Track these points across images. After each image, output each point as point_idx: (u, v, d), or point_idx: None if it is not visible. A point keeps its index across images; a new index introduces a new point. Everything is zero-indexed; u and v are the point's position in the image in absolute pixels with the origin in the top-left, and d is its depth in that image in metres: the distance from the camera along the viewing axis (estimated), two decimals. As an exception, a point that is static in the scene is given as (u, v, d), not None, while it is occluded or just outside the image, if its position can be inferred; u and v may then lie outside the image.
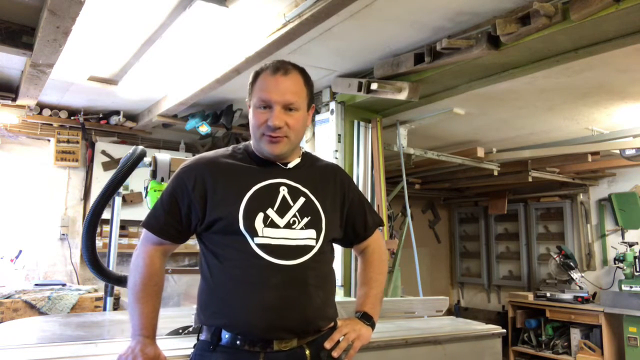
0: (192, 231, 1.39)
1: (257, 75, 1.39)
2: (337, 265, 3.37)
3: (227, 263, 1.30)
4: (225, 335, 1.27)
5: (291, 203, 1.35)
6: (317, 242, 1.35)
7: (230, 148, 1.46)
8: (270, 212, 1.32)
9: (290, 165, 1.42)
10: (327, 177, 1.48)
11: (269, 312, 1.25)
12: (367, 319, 1.46)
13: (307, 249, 1.33)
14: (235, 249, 1.29)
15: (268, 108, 1.34)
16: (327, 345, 1.34)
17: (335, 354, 1.34)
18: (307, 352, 1.30)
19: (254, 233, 1.29)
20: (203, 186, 1.34)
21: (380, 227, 1.63)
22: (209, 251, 1.35)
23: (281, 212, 1.33)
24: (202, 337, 1.33)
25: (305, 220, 1.35)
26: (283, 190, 1.36)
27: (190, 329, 1.83)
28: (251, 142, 1.46)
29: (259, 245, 1.28)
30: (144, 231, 1.39)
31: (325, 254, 1.40)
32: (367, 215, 1.56)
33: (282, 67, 1.36)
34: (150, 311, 1.33)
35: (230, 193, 1.33)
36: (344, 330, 1.39)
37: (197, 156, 1.45)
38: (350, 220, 1.51)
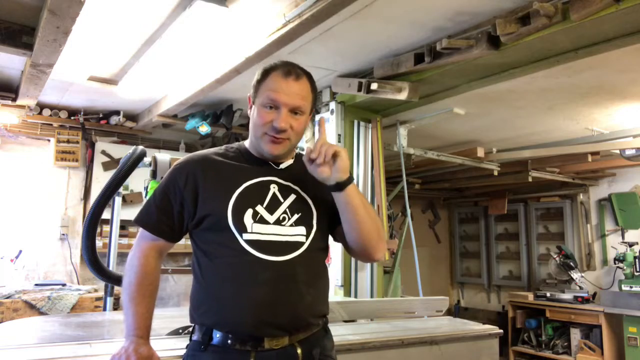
0: (185, 229, 1.39)
1: (266, 73, 1.39)
2: (337, 266, 3.37)
3: (217, 260, 1.31)
4: (217, 335, 1.27)
5: (281, 200, 1.36)
6: (307, 239, 1.35)
7: (223, 147, 1.47)
8: (260, 209, 1.32)
9: (282, 166, 1.43)
10: None
11: (259, 308, 1.25)
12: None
13: (297, 245, 1.33)
14: (225, 245, 1.30)
15: (274, 109, 1.34)
16: (314, 155, 1.30)
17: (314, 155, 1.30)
18: (299, 350, 1.29)
19: (242, 229, 1.29)
20: (194, 183, 1.35)
21: None
22: (199, 249, 1.35)
23: (271, 209, 1.33)
24: (194, 337, 1.33)
25: (296, 216, 1.35)
26: (273, 188, 1.36)
27: (190, 329, 1.83)
28: (247, 141, 1.46)
29: (248, 242, 1.29)
30: (139, 231, 1.39)
31: (317, 251, 1.39)
32: None
33: (294, 72, 1.37)
34: (144, 311, 1.33)
35: (219, 189, 1.34)
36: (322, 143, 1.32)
37: (190, 154, 1.46)
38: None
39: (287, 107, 1.34)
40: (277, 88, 1.34)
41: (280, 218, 1.33)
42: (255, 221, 1.30)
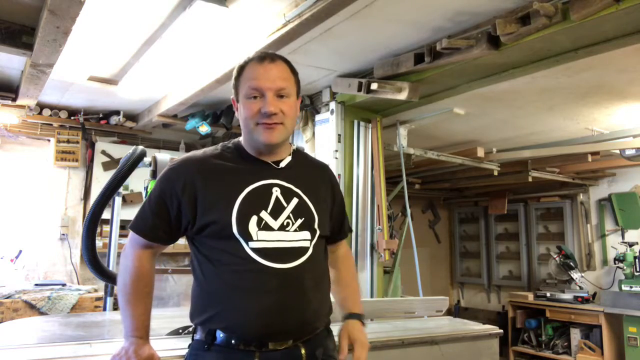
0: (182, 233, 1.36)
1: (242, 68, 1.38)
2: (337, 265, 3.37)
3: (222, 268, 1.28)
4: (220, 335, 1.26)
5: (285, 204, 1.33)
6: (311, 243, 1.34)
7: (219, 147, 1.43)
8: (264, 215, 1.29)
9: (282, 165, 1.40)
10: (318, 177, 1.49)
11: (267, 317, 1.24)
12: (362, 319, 1.53)
13: (302, 251, 1.31)
14: (230, 253, 1.27)
15: (260, 97, 1.32)
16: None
17: None
18: (303, 351, 1.29)
19: (248, 237, 1.26)
20: (192, 188, 1.31)
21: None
22: (201, 254, 1.32)
23: (275, 214, 1.31)
24: (197, 336, 1.32)
25: (299, 221, 1.33)
26: (276, 191, 1.34)
27: (190, 329, 1.83)
28: (241, 138, 1.43)
29: (254, 250, 1.26)
30: (131, 232, 1.36)
31: (320, 254, 1.39)
32: (345, 219, 1.59)
33: (268, 56, 1.36)
34: (141, 312, 1.32)
35: (221, 196, 1.30)
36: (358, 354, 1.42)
37: (185, 156, 1.41)
38: (333, 221, 1.51)
39: (271, 91, 1.32)
40: (256, 76, 1.33)
41: (285, 223, 1.31)
42: (260, 228, 1.28)
